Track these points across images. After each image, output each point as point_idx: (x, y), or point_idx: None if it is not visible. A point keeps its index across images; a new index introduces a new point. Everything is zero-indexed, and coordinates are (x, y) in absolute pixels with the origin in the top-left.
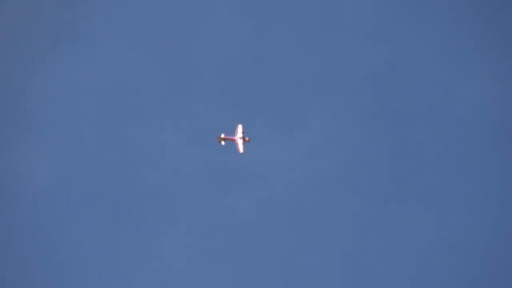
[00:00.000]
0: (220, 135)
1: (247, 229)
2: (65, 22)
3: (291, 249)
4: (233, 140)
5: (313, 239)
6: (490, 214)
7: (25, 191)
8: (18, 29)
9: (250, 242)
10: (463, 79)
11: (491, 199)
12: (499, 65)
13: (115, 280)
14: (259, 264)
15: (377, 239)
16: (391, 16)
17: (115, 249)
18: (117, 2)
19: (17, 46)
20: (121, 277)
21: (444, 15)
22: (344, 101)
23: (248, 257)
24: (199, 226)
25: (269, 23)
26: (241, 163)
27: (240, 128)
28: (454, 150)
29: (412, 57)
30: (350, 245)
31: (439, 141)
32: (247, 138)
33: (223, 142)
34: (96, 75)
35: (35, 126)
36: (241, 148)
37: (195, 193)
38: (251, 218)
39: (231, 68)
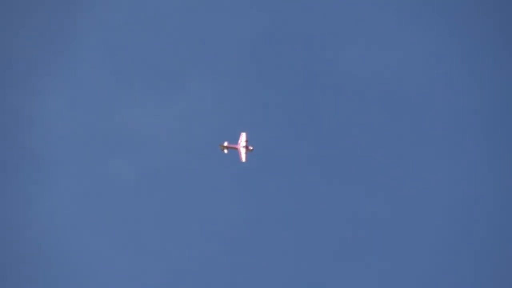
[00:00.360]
0: (223, 143)
1: (126, 194)
2: None
3: (171, 215)
4: (236, 149)
5: (192, 205)
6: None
7: None
8: None
9: (128, 208)
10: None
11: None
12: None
13: None
14: (138, 228)
15: (256, 204)
16: None
17: None
18: None
19: None
20: None
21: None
22: (225, 68)
23: (126, 222)
24: (78, 190)
25: None
26: (120, 129)
27: (243, 137)
28: None
29: (287, 25)
30: (230, 211)
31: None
32: (250, 147)
33: (226, 150)
34: None
35: None
36: (243, 157)
37: (74, 158)
38: (130, 183)
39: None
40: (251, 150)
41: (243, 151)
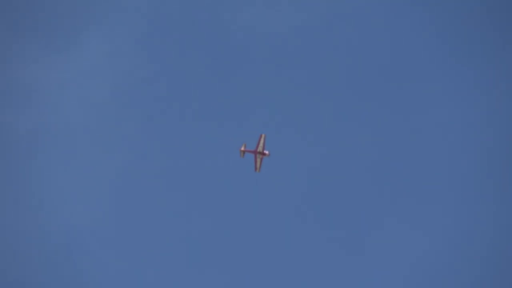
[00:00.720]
0: (242, 147)
1: (22, 146)
2: None
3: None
4: (254, 154)
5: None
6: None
7: None
8: None
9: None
10: None
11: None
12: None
13: None
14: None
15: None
16: None
17: None
18: None
19: None
20: None
21: None
22: (122, 22)
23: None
24: None
25: None
26: (16, 82)
27: (262, 139)
28: None
29: None
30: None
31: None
32: (266, 152)
33: (243, 155)
34: None
35: None
36: (258, 168)
37: None
38: (27, 135)
39: None
40: (267, 155)
41: (259, 159)
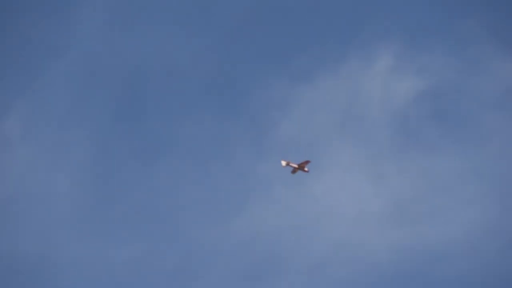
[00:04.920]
0: (287, 160)
1: None
2: None
3: None
4: (296, 167)
5: None
6: None
7: None
8: None
9: None
10: None
11: None
12: None
13: None
14: None
15: None
16: None
17: None
18: None
19: None
20: None
21: None
22: None
23: None
24: None
25: None
26: None
27: (306, 163)
28: None
29: None
30: None
31: None
32: (306, 169)
33: (285, 164)
34: None
35: None
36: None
37: None
38: None
39: None
40: (306, 171)
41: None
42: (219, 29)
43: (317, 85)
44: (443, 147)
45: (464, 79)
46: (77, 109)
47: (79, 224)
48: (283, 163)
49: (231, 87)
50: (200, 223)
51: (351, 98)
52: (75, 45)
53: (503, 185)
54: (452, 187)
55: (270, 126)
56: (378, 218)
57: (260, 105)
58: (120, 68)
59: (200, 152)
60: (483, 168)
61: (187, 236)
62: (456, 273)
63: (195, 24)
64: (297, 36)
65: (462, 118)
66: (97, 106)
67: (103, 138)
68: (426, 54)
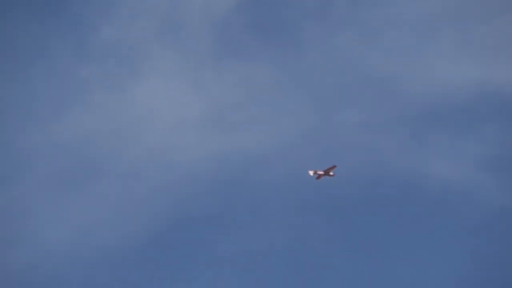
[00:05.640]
0: (314, 169)
1: None
2: None
3: None
4: (320, 173)
5: None
6: None
7: None
8: None
9: None
10: None
11: None
12: None
13: None
14: None
15: None
16: None
17: None
18: None
19: None
20: None
21: None
22: None
23: None
24: None
25: None
26: None
27: (332, 168)
28: None
29: None
30: None
31: None
32: (332, 173)
33: (312, 173)
34: None
35: None
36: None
37: None
38: None
39: None
40: (331, 175)
41: (323, 172)
42: None
43: None
44: (263, 56)
45: None
46: None
47: None
48: (311, 172)
49: None
50: (18, 127)
51: (173, 4)
52: None
53: (320, 95)
54: (271, 96)
55: (90, 31)
56: (196, 125)
57: (81, 8)
58: None
59: (19, 56)
60: (302, 78)
61: (4, 140)
62: (272, 178)
63: None
64: None
65: (282, 27)
66: None
67: None
68: None
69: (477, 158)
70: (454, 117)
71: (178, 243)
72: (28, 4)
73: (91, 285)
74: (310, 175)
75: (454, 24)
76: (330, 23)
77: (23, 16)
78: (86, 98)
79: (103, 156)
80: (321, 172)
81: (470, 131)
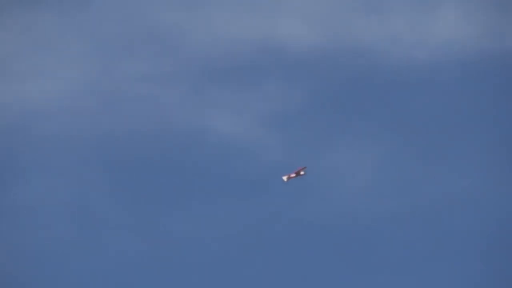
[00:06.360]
0: (287, 175)
1: None
2: None
3: None
4: (293, 176)
5: None
6: None
7: None
8: None
9: None
10: None
11: None
12: None
13: None
14: None
15: None
16: None
17: None
18: None
19: None
20: None
21: None
22: None
23: None
24: None
25: None
26: None
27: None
28: None
29: None
30: None
31: None
32: (302, 172)
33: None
34: None
35: None
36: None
37: None
38: None
39: None
40: (302, 174)
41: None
42: None
43: None
44: (46, 3)
45: None
46: None
47: None
48: (284, 178)
49: None
50: None
51: None
52: None
53: (103, 45)
54: (54, 44)
55: None
56: None
57: None
58: None
59: None
60: (86, 27)
61: None
62: (54, 130)
63: None
64: None
65: None
66: None
67: None
68: None
69: (259, 113)
70: (236, 72)
71: None
72: None
73: None
74: (284, 181)
75: None
76: None
77: None
78: None
79: None
80: (293, 175)
81: (252, 87)
